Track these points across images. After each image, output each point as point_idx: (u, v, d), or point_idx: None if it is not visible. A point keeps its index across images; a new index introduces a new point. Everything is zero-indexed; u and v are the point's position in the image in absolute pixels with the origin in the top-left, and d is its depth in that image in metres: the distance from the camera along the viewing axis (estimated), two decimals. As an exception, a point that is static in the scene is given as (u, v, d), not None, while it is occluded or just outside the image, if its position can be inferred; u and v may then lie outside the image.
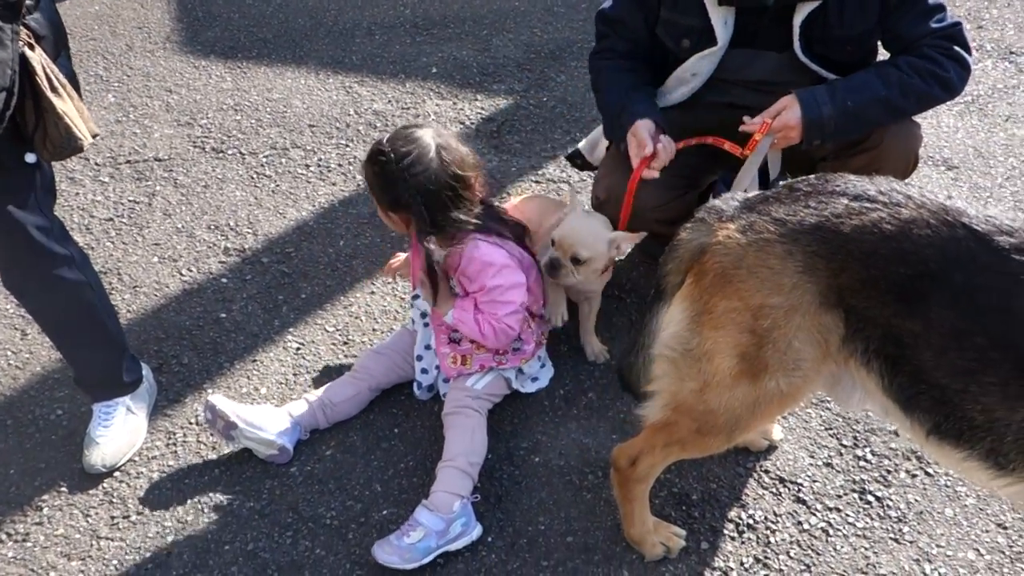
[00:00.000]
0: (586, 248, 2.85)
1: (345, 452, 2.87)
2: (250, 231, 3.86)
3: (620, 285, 3.47)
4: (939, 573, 2.50)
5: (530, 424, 2.95)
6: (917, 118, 2.96)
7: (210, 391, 3.10)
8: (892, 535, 2.60)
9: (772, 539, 2.59)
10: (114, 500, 2.76)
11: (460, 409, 2.79)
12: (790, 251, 1.97)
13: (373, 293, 3.52)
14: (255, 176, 4.21)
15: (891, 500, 2.68)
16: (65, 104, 2.37)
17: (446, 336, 2.84)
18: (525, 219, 2.98)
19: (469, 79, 4.91)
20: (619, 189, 2.99)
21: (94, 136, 2.49)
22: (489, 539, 2.61)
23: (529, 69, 4.94)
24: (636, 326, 2.43)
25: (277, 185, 4.15)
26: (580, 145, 3.50)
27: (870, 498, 2.69)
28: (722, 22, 2.84)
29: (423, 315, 2.92)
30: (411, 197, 2.58)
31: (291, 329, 3.36)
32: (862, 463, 2.79)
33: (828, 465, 2.79)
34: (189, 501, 2.74)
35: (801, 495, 2.70)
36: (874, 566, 2.51)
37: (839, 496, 2.70)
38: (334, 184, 4.15)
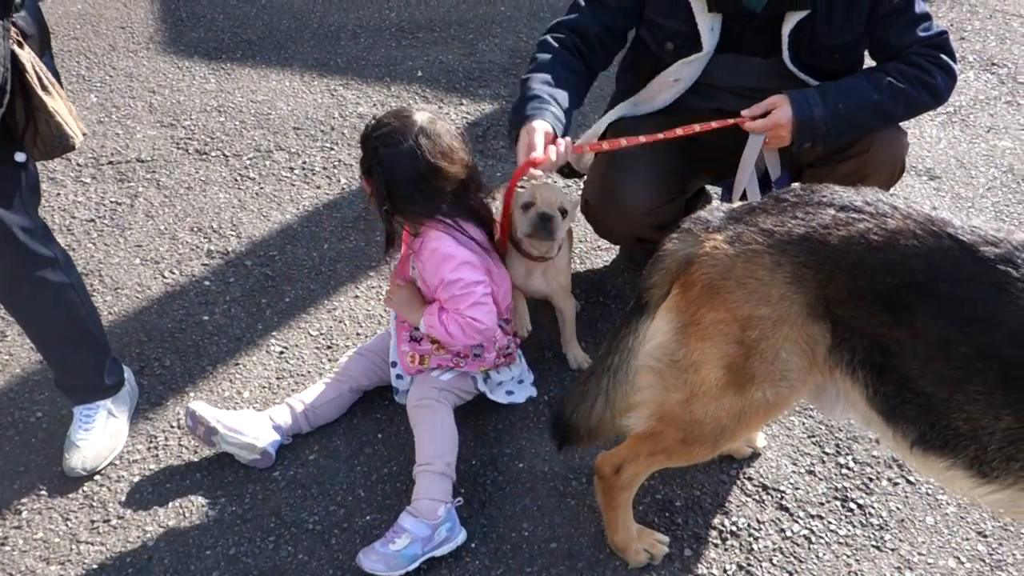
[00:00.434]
0: (567, 200, 2.90)
1: (328, 457, 2.86)
2: (233, 233, 3.84)
3: (604, 291, 3.48)
4: (920, 581, 2.52)
5: (514, 430, 2.95)
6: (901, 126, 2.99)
7: (192, 395, 3.07)
8: (874, 543, 2.61)
9: (755, 546, 2.60)
10: (94, 504, 2.73)
11: (425, 402, 2.76)
12: (778, 262, 1.98)
13: (357, 297, 3.51)
14: (239, 178, 4.18)
15: (873, 508, 2.70)
16: (56, 102, 2.36)
17: (407, 334, 2.83)
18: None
19: (455, 83, 4.91)
20: (608, 194, 2.99)
21: (83, 135, 2.48)
22: (473, 545, 2.60)
23: (515, 74, 4.94)
24: (593, 374, 2.38)
25: (261, 188, 4.12)
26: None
27: (852, 506, 2.71)
28: (709, 28, 2.84)
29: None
30: (375, 167, 2.59)
31: (274, 333, 3.34)
32: (844, 471, 2.81)
33: (811, 473, 2.81)
34: (170, 505, 2.72)
35: (784, 502, 2.71)
36: (856, 573, 2.53)
37: (821, 503, 2.71)
38: (318, 187, 4.13)
